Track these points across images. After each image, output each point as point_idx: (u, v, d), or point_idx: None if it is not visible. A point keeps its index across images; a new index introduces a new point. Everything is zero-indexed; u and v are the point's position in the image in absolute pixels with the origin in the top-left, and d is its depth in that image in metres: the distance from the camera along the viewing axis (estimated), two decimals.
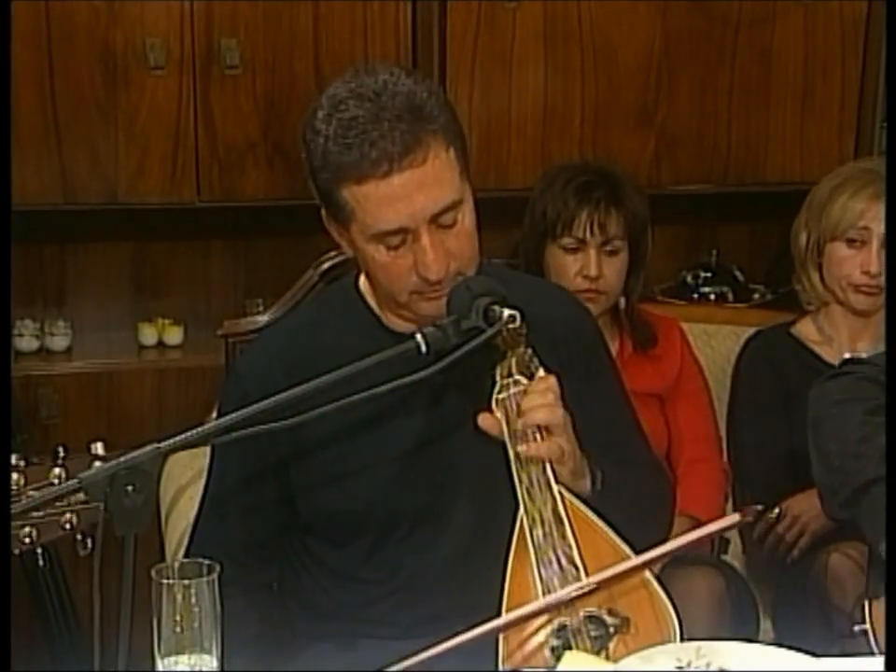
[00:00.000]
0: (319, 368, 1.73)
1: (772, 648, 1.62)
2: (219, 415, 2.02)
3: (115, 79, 3.19)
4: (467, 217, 1.85)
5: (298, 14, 3.24)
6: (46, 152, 3.19)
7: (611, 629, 1.69)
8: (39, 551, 2.79)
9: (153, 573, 1.53)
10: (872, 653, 2.01)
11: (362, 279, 2.01)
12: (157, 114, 3.22)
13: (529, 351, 1.83)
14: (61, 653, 2.91)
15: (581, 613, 1.70)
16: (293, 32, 3.25)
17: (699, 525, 2.66)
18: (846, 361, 2.28)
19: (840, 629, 2.31)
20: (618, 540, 1.77)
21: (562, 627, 1.70)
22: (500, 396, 1.82)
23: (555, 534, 1.75)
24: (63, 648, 2.92)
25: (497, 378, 1.83)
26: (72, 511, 1.54)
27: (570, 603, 1.70)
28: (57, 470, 1.55)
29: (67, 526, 1.55)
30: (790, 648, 1.60)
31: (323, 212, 1.91)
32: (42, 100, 3.17)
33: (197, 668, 1.53)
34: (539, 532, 1.75)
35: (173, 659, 1.53)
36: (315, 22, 3.25)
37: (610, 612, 1.70)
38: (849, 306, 2.81)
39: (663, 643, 1.66)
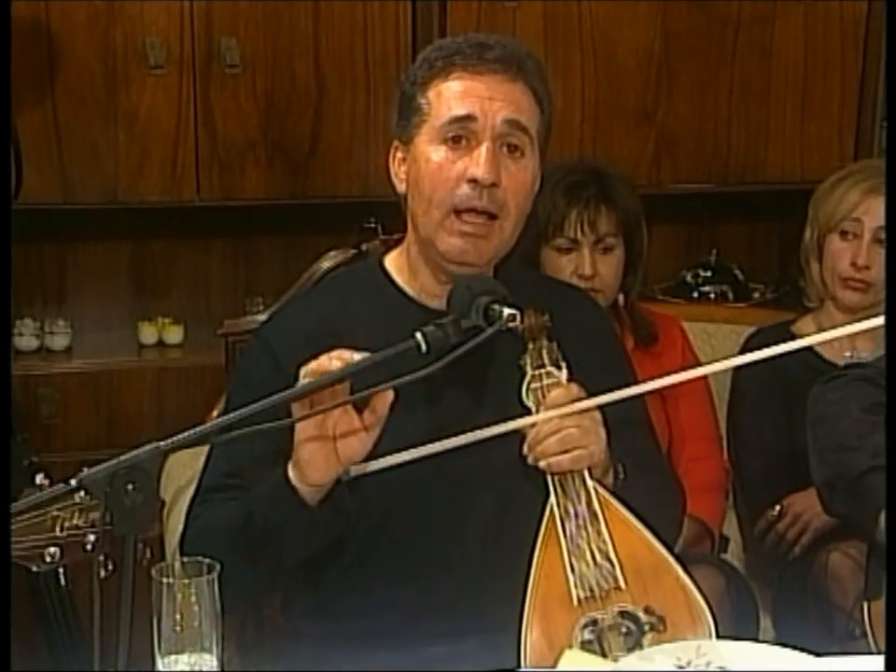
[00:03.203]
0: (346, 342, 1.71)
1: (772, 647, 1.62)
2: (239, 374, 2.02)
3: (115, 79, 3.20)
4: (529, 167, 1.93)
5: (298, 14, 3.25)
6: (46, 152, 3.20)
7: (646, 627, 1.68)
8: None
9: (153, 573, 1.53)
10: (871, 653, 2.01)
11: (389, 257, 2.00)
12: (157, 113, 3.22)
13: (554, 343, 1.83)
14: (61, 653, 2.91)
15: (616, 609, 1.69)
16: (293, 31, 3.25)
17: (701, 524, 2.68)
18: (844, 367, 2.29)
19: (840, 629, 2.31)
20: (651, 538, 1.76)
21: (593, 622, 1.68)
22: (533, 386, 1.81)
23: (590, 529, 1.73)
24: (64, 647, 2.91)
25: (528, 369, 1.82)
26: (95, 533, 1.52)
27: (605, 599, 1.69)
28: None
29: (89, 547, 1.53)
30: (790, 647, 1.60)
31: (394, 143, 1.94)
32: (42, 100, 3.17)
33: (197, 668, 1.53)
34: (571, 526, 1.73)
35: (173, 658, 1.53)
36: (315, 22, 3.25)
37: (646, 610, 1.69)
38: (839, 302, 2.80)
39: None
